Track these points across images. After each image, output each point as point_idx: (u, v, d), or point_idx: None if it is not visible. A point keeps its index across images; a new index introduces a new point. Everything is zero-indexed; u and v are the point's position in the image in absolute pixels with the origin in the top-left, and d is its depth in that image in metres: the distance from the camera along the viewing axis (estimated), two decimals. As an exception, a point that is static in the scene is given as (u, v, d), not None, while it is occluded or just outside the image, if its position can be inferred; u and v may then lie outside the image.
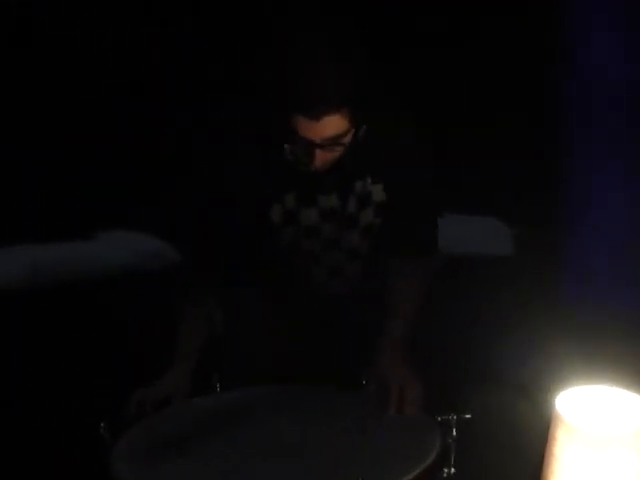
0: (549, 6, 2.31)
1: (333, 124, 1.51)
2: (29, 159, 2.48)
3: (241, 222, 1.74)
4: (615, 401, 1.24)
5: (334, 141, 1.55)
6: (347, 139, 1.57)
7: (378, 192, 1.76)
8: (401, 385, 1.64)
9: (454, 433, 1.50)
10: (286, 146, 1.59)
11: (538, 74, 2.70)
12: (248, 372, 1.79)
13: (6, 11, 2.43)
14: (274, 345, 1.85)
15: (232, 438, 1.55)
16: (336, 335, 1.89)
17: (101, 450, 1.48)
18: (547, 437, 1.25)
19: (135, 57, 2.62)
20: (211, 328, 1.86)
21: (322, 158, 1.57)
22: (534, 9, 2.60)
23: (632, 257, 2.04)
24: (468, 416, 1.51)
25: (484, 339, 1.80)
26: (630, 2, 2.10)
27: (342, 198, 1.75)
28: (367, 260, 1.87)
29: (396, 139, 1.73)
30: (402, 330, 1.78)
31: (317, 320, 1.90)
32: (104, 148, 2.58)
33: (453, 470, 1.49)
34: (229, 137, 1.75)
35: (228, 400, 1.75)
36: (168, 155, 2.56)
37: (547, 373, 1.54)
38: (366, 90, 1.55)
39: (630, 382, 1.25)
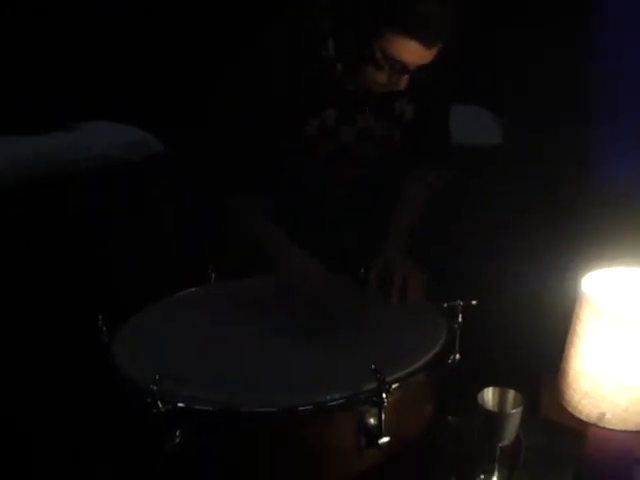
0: None
1: (434, 52, 1.52)
2: (7, 48, 2.34)
3: (275, 134, 1.69)
4: (640, 282, 1.23)
5: (422, 66, 1.55)
6: None
7: (410, 111, 1.79)
8: (404, 273, 1.63)
9: (460, 319, 1.48)
10: (339, 65, 1.62)
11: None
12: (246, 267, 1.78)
13: None
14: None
15: (239, 328, 1.52)
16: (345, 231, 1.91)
17: (99, 344, 1.44)
18: (570, 319, 1.23)
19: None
20: None
21: (406, 81, 1.58)
22: None
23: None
24: (474, 302, 1.48)
25: (490, 226, 1.77)
26: None
27: (379, 119, 1.76)
28: (390, 171, 1.90)
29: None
30: (408, 223, 1.80)
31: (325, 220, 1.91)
32: (88, 38, 2.44)
33: (458, 356, 1.48)
34: (275, 50, 1.69)
35: (231, 291, 1.72)
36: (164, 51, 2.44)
37: (570, 256, 1.51)
38: None
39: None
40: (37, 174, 2.25)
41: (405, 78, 1.56)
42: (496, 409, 1.36)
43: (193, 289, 1.73)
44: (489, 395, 1.37)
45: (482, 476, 1.42)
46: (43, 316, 2.05)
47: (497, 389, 1.37)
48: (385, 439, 1.26)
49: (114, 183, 2.33)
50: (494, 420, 1.34)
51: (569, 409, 1.21)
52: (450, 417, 1.54)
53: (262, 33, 1.68)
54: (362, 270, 1.73)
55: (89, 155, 2.37)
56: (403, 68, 1.53)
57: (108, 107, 2.47)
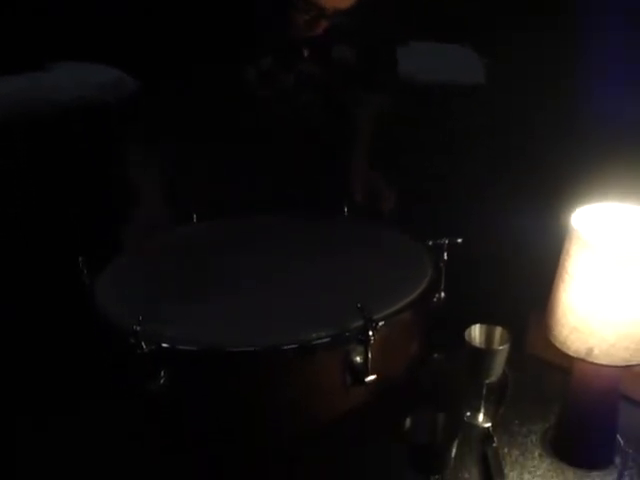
0: None
1: None
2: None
3: (213, 81, 1.68)
4: (631, 218, 1.21)
5: (341, 12, 1.53)
6: None
7: (352, 57, 1.79)
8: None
9: (445, 257, 1.47)
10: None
11: None
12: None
13: None
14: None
15: (221, 268, 1.49)
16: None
17: (81, 286, 1.41)
18: (557, 256, 1.22)
19: None
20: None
21: (323, 26, 1.56)
22: None
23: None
24: (459, 240, 1.47)
25: (475, 164, 1.76)
26: None
27: (318, 64, 1.76)
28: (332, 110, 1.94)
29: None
30: (366, 139, 1.92)
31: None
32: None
33: (443, 295, 1.47)
34: None
35: (210, 230, 1.70)
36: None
37: (560, 191, 1.50)
38: None
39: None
40: (16, 114, 2.19)
41: (323, 23, 1.54)
42: (483, 346, 1.36)
43: (174, 230, 1.71)
44: (476, 332, 1.37)
45: (468, 413, 1.43)
46: (23, 259, 2.01)
47: (484, 326, 1.37)
48: (371, 377, 1.25)
49: (92, 123, 2.28)
50: (481, 357, 1.34)
51: (557, 344, 1.21)
52: (436, 355, 1.54)
53: None
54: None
55: (65, 95, 2.31)
56: (320, 13, 1.51)
57: (83, 47, 2.40)
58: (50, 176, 2.17)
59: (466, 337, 1.35)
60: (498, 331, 1.36)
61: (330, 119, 1.90)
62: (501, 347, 1.33)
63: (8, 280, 1.94)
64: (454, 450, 1.11)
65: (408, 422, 1.13)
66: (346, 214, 1.76)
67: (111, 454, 1.36)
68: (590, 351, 1.16)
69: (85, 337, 1.42)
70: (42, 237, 2.06)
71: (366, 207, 1.75)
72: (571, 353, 1.19)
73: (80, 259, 1.41)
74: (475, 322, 1.37)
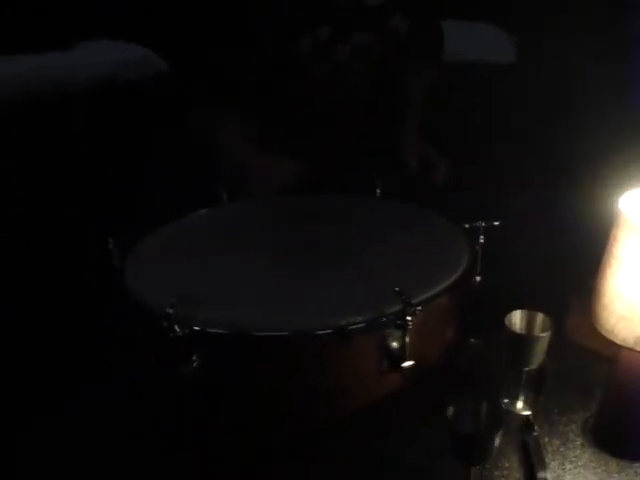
0: None
1: None
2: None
3: (266, 51, 1.68)
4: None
5: None
6: None
7: (405, 26, 1.78)
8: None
9: (481, 240, 1.43)
10: None
11: None
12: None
13: None
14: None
15: (253, 250, 1.46)
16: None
17: (110, 269, 1.38)
18: (597, 241, 1.18)
19: None
20: None
21: None
22: None
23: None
24: (496, 223, 1.43)
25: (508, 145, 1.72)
26: None
27: (374, 35, 1.75)
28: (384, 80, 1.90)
29: None
30: (417, 113, 1.92)
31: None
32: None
33: (479, 278, 1.43)
34: None
35: (244, 211, 1.67)
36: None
37: (605, 173, 1.45)
38: None
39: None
40: (35, 92, 2.17)
41: None
42: (524, 332, 1.32)
43: (204, 210, 1.68)
44: (517, 318, 1.33)
45: (506, 400, 1.40)
46: (51, 242, 1.99)
47: (525, 312, 1.33)
48: (409, 363, 1.21)
49: (117, 102, 2.26)
50: (521, 343, 1.30)
51: (603, 332, 1.17)
52: (472, 339, 1.51)
53: None
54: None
55: (90, 73, 2.29)
56: None
57: (108, 24, 2.37)
58: (80, 153, 2.15)
59: (506, 323, 1.31)
60: (540, 317, 1.32)
61: (381, 90, 1.88)
62: (542, 334, 1.29)
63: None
64: (497, 440, 1.07)
65: (451, 411, 1.10)
66: (378, 195, 1.72)
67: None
68: (639, 340, 1.12)
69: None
70: (67, 218, 2.04)
71: (419, 176, 1.76)
72: (618, 342, 1.15)
73: (110, 241, 1.39)
74: (513, 307, 1.33)
